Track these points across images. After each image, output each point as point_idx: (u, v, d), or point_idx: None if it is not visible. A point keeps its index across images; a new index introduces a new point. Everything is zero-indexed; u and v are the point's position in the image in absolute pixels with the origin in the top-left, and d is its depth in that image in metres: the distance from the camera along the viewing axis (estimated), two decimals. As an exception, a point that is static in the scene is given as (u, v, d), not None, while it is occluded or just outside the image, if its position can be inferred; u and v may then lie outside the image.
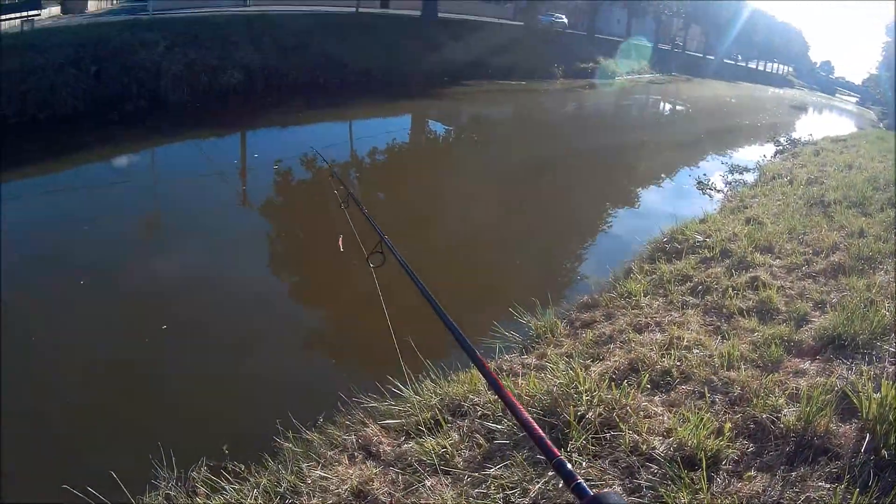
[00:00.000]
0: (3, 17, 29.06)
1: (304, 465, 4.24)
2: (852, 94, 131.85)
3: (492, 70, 31.83)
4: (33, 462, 5.36)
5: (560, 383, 4.29)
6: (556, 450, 1.00)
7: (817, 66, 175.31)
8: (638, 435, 3.70)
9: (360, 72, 24.19)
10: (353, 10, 32.10)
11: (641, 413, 3.97)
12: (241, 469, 4.61)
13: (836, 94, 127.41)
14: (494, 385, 1.40)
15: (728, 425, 3.78)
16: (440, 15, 36.31)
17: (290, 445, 4.66)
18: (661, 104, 40.72)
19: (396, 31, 28.73)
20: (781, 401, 3.94)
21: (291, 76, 22.28)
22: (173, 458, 4.66)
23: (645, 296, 6.83)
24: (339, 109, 20.86)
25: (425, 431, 4.37)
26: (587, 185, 15.93)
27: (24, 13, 28.95)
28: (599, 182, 16.31)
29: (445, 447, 4.03)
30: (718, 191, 15.45)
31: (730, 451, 3.57)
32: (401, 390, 4.99)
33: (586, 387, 4.16)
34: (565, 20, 56.49)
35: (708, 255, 8.19)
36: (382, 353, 6.78)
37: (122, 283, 8.77)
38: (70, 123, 17.80)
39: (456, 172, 15.55)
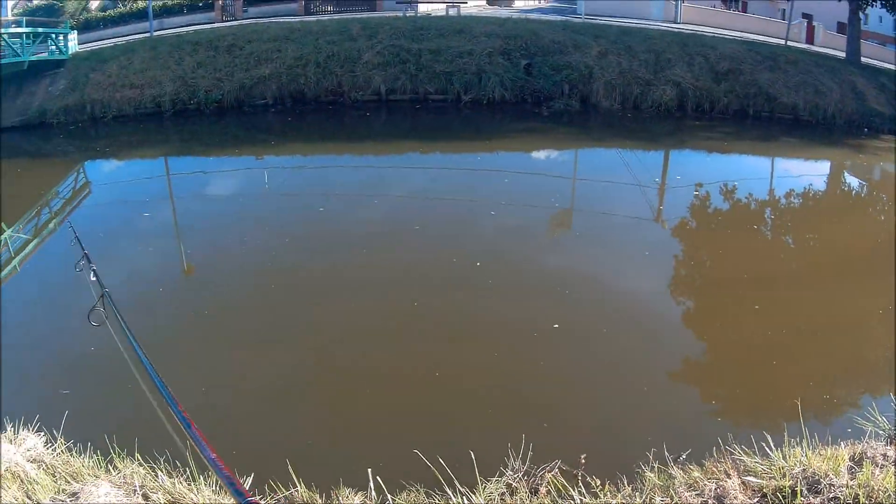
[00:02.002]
0: (427, 0, 31.24)
1: (658, 500, 4.42)
2: None
3: (911, 127, 30.02)
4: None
5: None
6: (245, 491, 0.83)
7: None
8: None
9: (788, 107, 23.64)
10: (783, 41, 31.49)
11: None
12: (594, 483, 4.77)
13: None
14: (184, 422, 1.22)
15: None
16: (863, 59, 34.76)
17: (653, 476, 4.77)
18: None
19: (822, 69, 27.68)
20: None
21: (722, 102, 22.20)
22: (530, 453, 4.91)
23: None
24: (765, 144, 20.67)
25: (780, 499, 4.35)
26: None
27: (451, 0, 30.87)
28: None
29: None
30: None
31: None
32: (771, 449, 4.92)
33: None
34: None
35: None
36: (772, 404, 6.68)
37: (516, 273, 9.51)
38: (495, 110, 18.88)
39: (859, 230, 14.73)
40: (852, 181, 21.25)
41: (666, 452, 5.05)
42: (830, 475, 4.53)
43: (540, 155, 16.60)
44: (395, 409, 6.38)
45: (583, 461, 5.04)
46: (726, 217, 14.05)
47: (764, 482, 4.60)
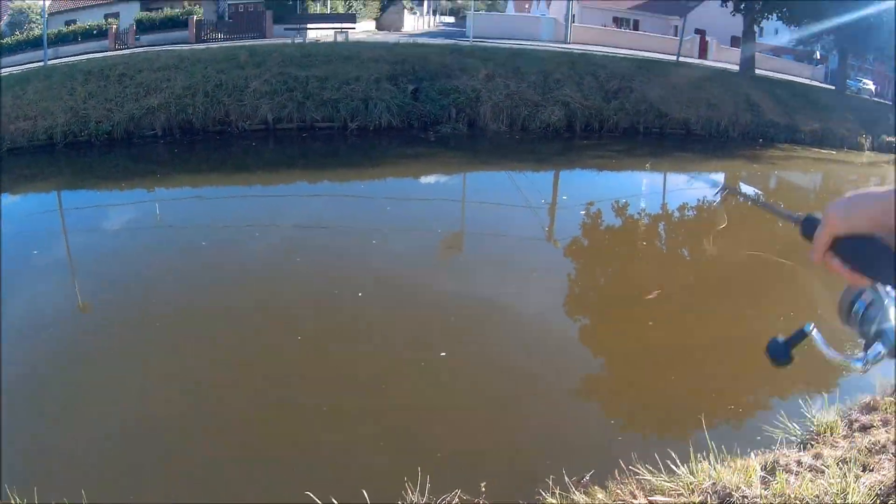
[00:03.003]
0: (315, 26, 31.20)
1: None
2: None
3: (801, 134, 30.85)
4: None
5: (833, 493, 4.19)
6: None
7: None
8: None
9: (680, 123, 24.09)
10: (674, 58, 32.11)
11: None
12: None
13: None
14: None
15: None
16: (759, 71, 35.70)
17: (554, 502, 4.66)
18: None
19: (714, 84, 28.31)
20: None
21: (612, 120, 22.51)
22: (428, 485, 4.75)
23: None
24: (656, 160, 20.89)
25: (690, 516, 4.37)
26: None
27: (340, 25, 30.91)
28: None
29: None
30: None
31: None
32: (677, 465, 4.82)
33: (854, 500, 4.08)
34: (872, 87, 54.05)
35: None
36: (675, 420, 6.61)
37: (403, 302, 9.31)
38: (382, 136, 18.90)
39: (756, 241, 15.07)
40: (748, 190, 21.61)
41: (566, 477, 4.87)
42: (742, 487, 4.48)
43: (429, 179, 16.61)
44: (284, 447, 6.14)
45: (483, 489, 4.91)
46: (619, 233, 14.20)
47: (672, 500, 4.55)
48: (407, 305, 9.22)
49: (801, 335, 1.52)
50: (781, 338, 1.56)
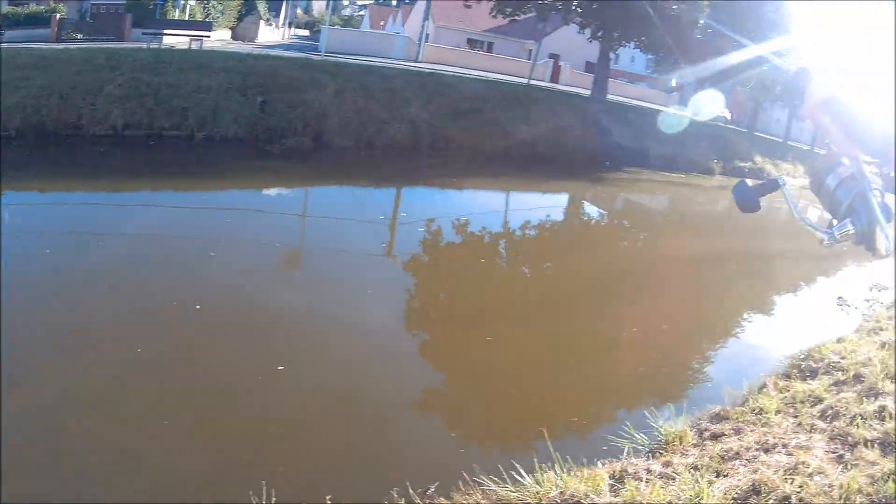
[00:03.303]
0: (172, 32, 30.78)
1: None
2: None
3: (652, 159, 31.83)
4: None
5: (686, 497, 4.44)
6: None
7: None
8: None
9: (526, 143, 24.59)
10: (525, 80, 32.79)
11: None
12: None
13: None
14: None
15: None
16: (608, 96, 36.66)
17: None
18: (810, 210, 40.19)
19: (565, 107, 29.06)
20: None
21: (458, 139, 22.78)
22: (273, 499, 4.82)
23: (776, 413, 6.72)
24: (501, 179, 21.29)
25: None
26: (729, 289, 15.85)
27: (196, 32, 30.58)
28: (740, 288, 16.15)
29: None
30: (856, 308, 14.85)
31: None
32: (522, 475, 5.01)
33: (708, 503, 4.31)
34: (727, 115, 56.32)
35: (841, 378, 7.80)
36: (518, 434, 6.83)
37: (242, 315, 9.21)
38: (228, 147, 18.79)
39: (597, 258, 15.56)
40: (592, 210, 22.19)
41: (410, 490, 5.02)
42: (591, 495, 4.68)
43: (271, 193, 16.55)
44: (121, 461, 5.94)
45: (328, 502, 4.86)
46: (459, 250, 14.46)
47: (521, 510, 4.65)
48: (245, 319, 9.14)
49: (774, 185, 1.57)
50: (750, 182, 1.60)
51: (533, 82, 33.62)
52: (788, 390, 7.51)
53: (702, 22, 30.37)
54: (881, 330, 10.90)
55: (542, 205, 20.35)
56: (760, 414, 6.71)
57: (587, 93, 36.11)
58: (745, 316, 13.88)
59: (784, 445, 5.78)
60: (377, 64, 27.92)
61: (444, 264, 13.48)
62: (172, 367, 7.67)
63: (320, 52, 29.90)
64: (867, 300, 15.83)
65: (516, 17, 34.54)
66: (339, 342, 8.84)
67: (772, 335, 12.23)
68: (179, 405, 6.91)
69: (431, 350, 9.40)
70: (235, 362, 7.88)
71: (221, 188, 16.00)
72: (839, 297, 15.57)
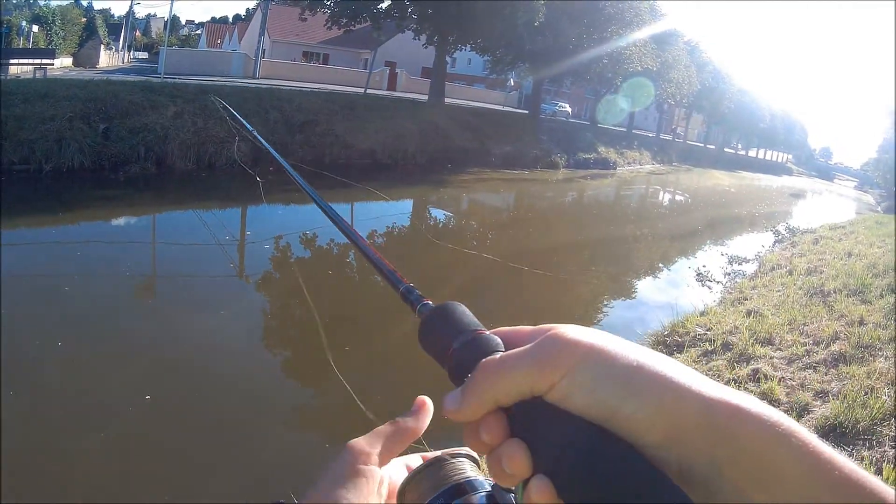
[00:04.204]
0: (16, 61, 30.34)
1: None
2: (850, 178, 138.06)
3: (495, 158, 32.88)
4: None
5: None
6: (404, 279, 0.96)
7: (816, 152, 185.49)
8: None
9: (366, 153, 25.45)
10: (362, 90, 33.61)
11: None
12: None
13: (835, 180, 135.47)
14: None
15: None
16: (446, 100, 37.59)
17: None
18: (661, 194, 42.64)
19: (403, 114, 29.83)
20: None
21: (298, 153, 23.31)
22: None
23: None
24: (344, 191, 21.76)
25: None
26: (584, 276, 16.59)
27: (39, 60, 30.29)
28: (597, 274, 17.00)
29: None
30: (718, 282, 16.15)
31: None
32: None
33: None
34: (569, 109, 58.52)
35: (709, 349, 8.50)
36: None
37: (104, 346, 9.38)
38: (75, 178, 18.83)
39: (449, 259, 16.36)
40: (438, 214, 23.05)
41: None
42: None
43: (119, 222, 16.63)
44: None
45: None
46: (310, 264, 15.13)
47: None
48: (103, 350, 9.24)
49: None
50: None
51: (370, 91, 34.43)
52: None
53: (537, 23, 31.36)
54: (745, 300, 11.91)
55: (388, 213, 21.05)
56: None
57: (425, 98, 37.11)
58: (605, 300, 14.83)
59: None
60: (215, 83, 28.36)
61: (296, 279, 13.78)
62: (40, 406, 7.67)
63: (159, 73, 29.98)
64: (727, 273, 17.21)
65: (351, 28, 35.17)
66: (199, 367, 9.14)
67: (634, 316, 13.14)
68: (44, 438, 7.01)
69: (295, 365, 9.97)
70: (99, 394, 8.00)
71: (70, 221, 16.03)
72: (698, 273, 16.86)
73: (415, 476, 0.80)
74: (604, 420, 0.61)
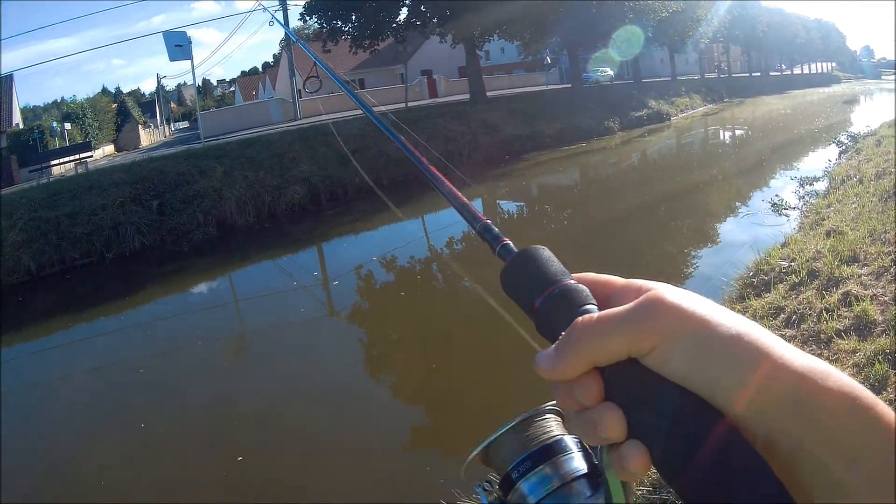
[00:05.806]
0: (56, 161, 30.77)
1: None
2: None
3: (549, 138, 32.57)
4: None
5: None
6: (481, 215, 0.94)
7: (858, 54, 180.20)
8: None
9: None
10: (403, 105, 33.50)
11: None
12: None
13: (882, 77, 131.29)
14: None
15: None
16: (489, 93, 37.38)
17: None
18: (721, 133, 41.92)
19: (448, 118, 29.67)
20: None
21: (353, 183, 23.30)
22: None
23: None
24: (408, 208, 21.58)
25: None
26: (665, 231, 16.35)
27: (77, 156, 30.72)
28: (678, 226, 16.67)
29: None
30: (794, 208, 15.68)
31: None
32: None
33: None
34: (611, 72, 57.74)
35: (796, 280, 8.10)
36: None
37: (201, 419, 9.23)
38: (139, 259, 18.97)
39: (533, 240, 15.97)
40: (509, 206, 22.79)
41: None
42: None
43: (196, 290, 16.56)
44: None
45: None
46: (394, 286, 14.83)
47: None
48: (206, 421, 9.10)
49: None
50: None
51: (411, 104, 34.34)
52: (746, 311, 7.65)
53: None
54: (823, 221, 11.29)
55: (459, 219, 20.67)
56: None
57: (466, 97, 36.91)
58: (689, 250, 14.39)
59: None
60: (257, 134, 28.30)
61: (384, 305, 13.67)
62: (147, 478, 7.59)
63: (201, 139, 30.21)
64: (801, 197, 16.53)
65: (376, 47, 35.16)
66: (310, 412, 8.89)
67: (720, 261, 12.63)
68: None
69: (398, 390, 9.59)
70: (217, 460, 7.79)
71: (146, 301, 15.85)
72: (773, 204, 16.20)
73: (502, 435, 0.83)
74: (698, 389, 0.60)
